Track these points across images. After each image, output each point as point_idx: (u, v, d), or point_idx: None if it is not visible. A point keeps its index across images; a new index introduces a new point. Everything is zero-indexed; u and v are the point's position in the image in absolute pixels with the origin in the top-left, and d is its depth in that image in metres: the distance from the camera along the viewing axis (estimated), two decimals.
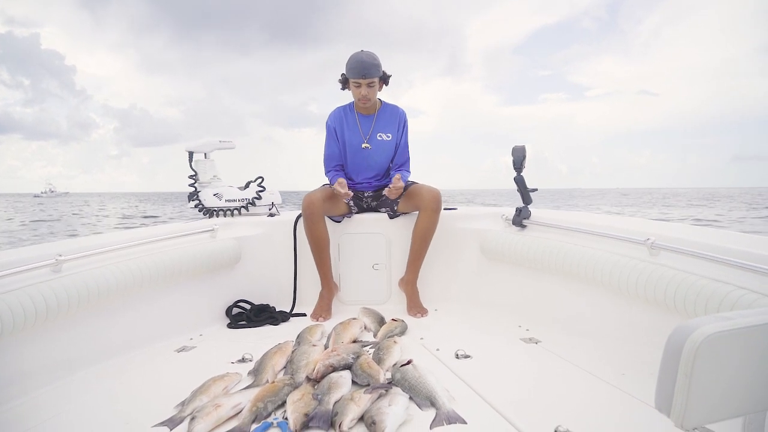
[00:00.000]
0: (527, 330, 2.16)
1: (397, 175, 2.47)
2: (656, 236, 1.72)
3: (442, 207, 2.57)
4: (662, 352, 0.85)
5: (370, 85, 2.46)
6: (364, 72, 2.41)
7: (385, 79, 2.54)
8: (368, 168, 2.64)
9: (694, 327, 0.79)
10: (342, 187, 2.43)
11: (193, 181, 2.81)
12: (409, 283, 2.57)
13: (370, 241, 2.69)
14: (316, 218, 2.44)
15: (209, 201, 2.80)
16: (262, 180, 2.89)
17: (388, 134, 2.63)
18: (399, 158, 2.68)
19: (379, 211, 2.74)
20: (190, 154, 2.80)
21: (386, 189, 2.47)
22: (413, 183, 2.63)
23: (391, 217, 2.69)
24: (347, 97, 2.64)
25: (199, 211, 2.82)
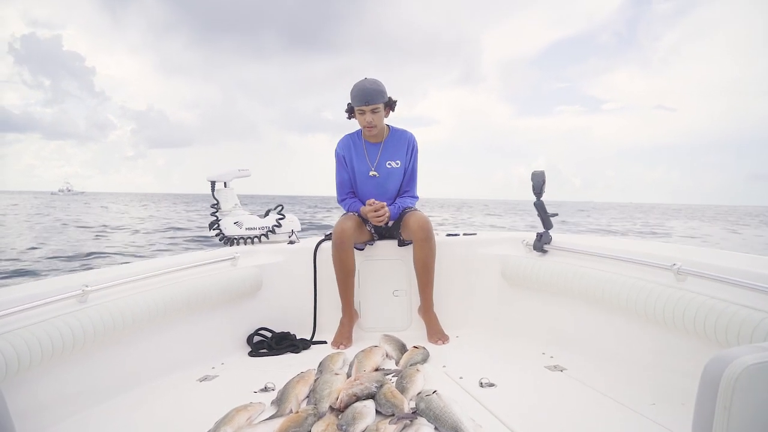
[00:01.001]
0: (551, 357, 2.13)
1: (381, 203, 2.51)
2: (683, 261, 1.69)
3: (457, 233, 2.54)
4: (698, 383, 0.83)
5: (374, 112, 2.46)
6: (367, 99, 2.42)
7: (390, 105, 2.54)
8: (377, 195, 2.63)
9: (731, 357, 0.78)
10: (374, 202, 2.48)
11: (215, 210, 2.85)
12: (426, 311, 2.55)
13: (390, 268, 2.69)
14: (347, 246, 2.45)
15: (230, 229, 2.83)
16: (282, 208, 2.92)
17: (397, 161, 2.63)
18: (406, 184, 2.68)
19: (393, 238, 2.74)
20: (212, 183, 2.84)
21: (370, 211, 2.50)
22: (410, 210, 2.61)
23: (399, 245, 2.69)
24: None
25: (220, 240, 2.85)
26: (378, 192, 2.65)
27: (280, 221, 2.87)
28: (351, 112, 2.55)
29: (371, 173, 2.62)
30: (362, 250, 2.68)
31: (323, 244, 2.70)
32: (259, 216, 2.90)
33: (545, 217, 2.37)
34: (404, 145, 2.65)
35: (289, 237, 2.90)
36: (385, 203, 2.52)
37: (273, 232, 2.86)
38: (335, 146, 2.74)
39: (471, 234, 2.83)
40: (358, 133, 2.67)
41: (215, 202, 2.85)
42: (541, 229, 2.44)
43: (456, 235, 2.81)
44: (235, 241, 2.85)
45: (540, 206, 2.35)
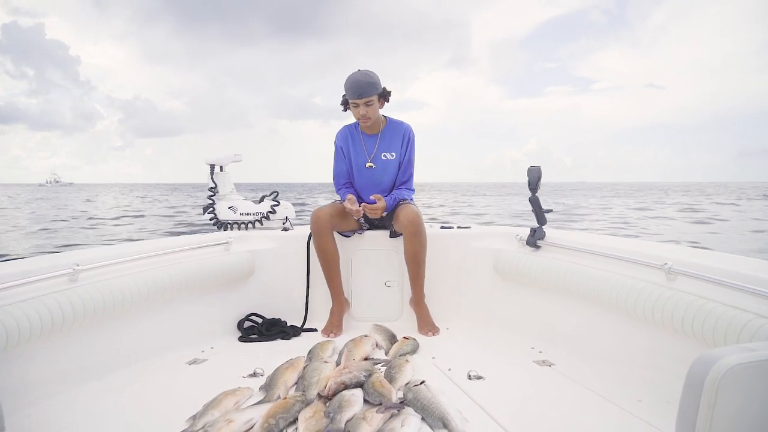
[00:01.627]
0: (540, 352, 2.14)
1: (378, 196, 2.51)
2: (674, 261, 1.70)
3: (451, 226, 2.55)
4: (683, 382, 0.84)
5: (367, 104, 2.45)
6: (359, 91, 2.41)
7: (385, 96, 2.53)
8: (374, 186, 2.64)
9: (717, 357, 0.78)
10: (352, 203, 2.46)
11: (212, 194, 2.84)
12: (417, 302, 2.56)
13: (383, 258, 2.69)
14: (324, 233, 2.45)
15: (224, 214, 2.83)
16: (277, 194, 2.91)
17: (392, 153, 2.62)
18: (401, 176, 2.67)
19: (386, 228, 2.74)
20: (211, 166, 2.84)
21: (364, 206, 2.49)
22: (403, 203, 2.60)
23: (391, 236, 2.69)
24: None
25: (214, 224, 2.85)
26: (373, 183, 2.65)
27: (274, 207, 2.86)
28: (346, 104, 2.54)
29: (368, 165, 2.62)
30: (349, 237, 2.68)
31: None
32: (254, 201, 2.90)
33: (539, 213, 2.37)
34: (400, 136, 2.64)
35: (284, 224, 2.90)
36: (384, 202, 2.51)
37: (267, 218, 2.85)
38: (334, 136, 2.73)
39: (465, 227, 2.83)
40: (356, 124, 2.66)
41: (213, 185, 2.84)
42: (535, 224, 2.45)
43: (450, 227, 2.81)
44: (229, 225, 2.84)
45: (535, 202, 2.35)
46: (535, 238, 2.42)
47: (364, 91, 2.41)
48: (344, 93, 2.49)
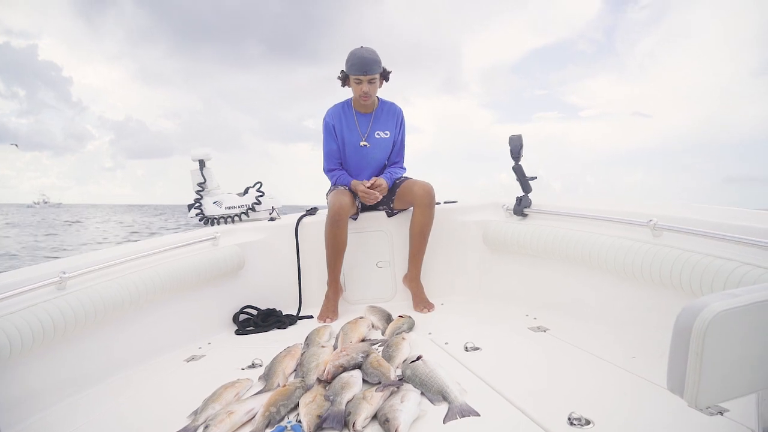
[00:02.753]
0: (534, 318, 2.16)
1: (376, 178, 2.54)
2: (658, 217, 1.72)
3: (438, 201, 2.58)
4: (672, 333, 0.85)
5: (371, 82, 2.44)
6: (365, 68, 2.39)
7: (385, 76, 2.53)
8: (367, 165, 2.64)
9: (702, 305, 0.79)
10: (362, 184, 2.51)
11: (201, 189, 2.81)
12: (413, 279, 2.57)
13: (373, 239, 2.69)
14: (344, 223, 2.44)
15: (209, 209, 2.80)
16: (261, 185, 2.89)
17: (386, 132, 2.62)
18: (395, 156, 2.68)
19: (378, 209, 2.74)
20: (201, 161, 2.81)
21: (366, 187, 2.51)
22: (406, 179, 2.62)
23: (389, 215, 2.69)
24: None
25: (200, 220, 2.82)
26: (366, 162, 2.64)
27: (259, 198, 2.84)
28: (345, 80, 2.51)
29: (362, 143, 2.61)
30: None
31: (305, 220, 2.69)
32: (238, 194, 2.87)
33: (524, 181, 2.38)
34: (393, 116, 2.65)
35: (270, 214, 2.88)
36: (384, 179, 2.53)
37: (253, 209, 2.83)
38: (324, 116, 2.70)
39: (452, 202, 2.84)
40: (347, 102, 2.64)
41: (203, 180, 2.82)
42: (521, 193, 2.45)
43: (437, 203, 2.81)
44: (215, 220, 2.82)
45: (518, 170, 2.36)
46: (521, 207, 2.43)
47: (369, 68, 2.39)
48: (344, 68, 2.47)
